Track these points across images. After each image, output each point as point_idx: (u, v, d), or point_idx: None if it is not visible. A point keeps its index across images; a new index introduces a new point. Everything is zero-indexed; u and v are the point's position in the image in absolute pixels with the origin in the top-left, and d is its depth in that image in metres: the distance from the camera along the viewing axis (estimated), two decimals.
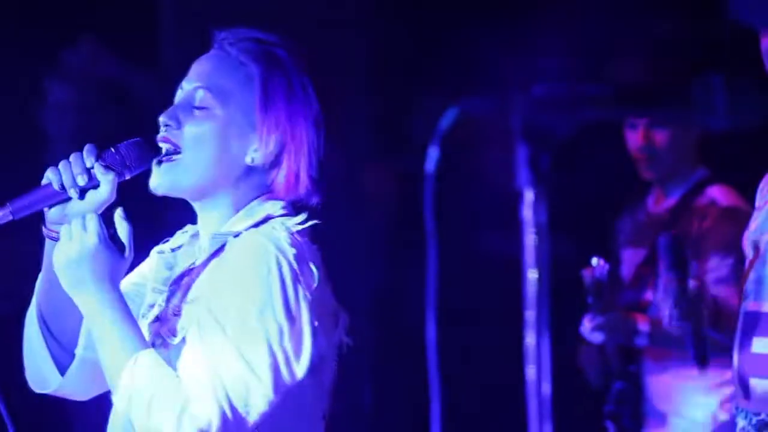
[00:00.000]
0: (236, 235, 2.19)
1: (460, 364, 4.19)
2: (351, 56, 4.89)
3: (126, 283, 2.35)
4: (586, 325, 3.69)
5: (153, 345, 2.18)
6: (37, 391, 2.34)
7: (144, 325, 2.25)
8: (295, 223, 2.19)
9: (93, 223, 2.19)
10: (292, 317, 2.10)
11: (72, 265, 2.17)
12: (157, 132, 2.26)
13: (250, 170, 2.24)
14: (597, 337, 3.69)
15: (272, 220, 2.20)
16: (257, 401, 2.07)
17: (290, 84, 2.24)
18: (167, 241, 2.37)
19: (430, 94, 4.68)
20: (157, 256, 2.35)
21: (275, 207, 2.23)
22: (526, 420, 1.65)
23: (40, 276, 2.31)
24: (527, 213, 1.61)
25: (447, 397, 1.78)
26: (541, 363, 1.63)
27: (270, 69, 2.24)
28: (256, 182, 2.24)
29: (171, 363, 2.13)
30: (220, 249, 2.20)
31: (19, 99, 4.40)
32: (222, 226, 2.23)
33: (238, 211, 2.23)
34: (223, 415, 2.04)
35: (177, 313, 2.19)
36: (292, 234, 2.16)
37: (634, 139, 3.87)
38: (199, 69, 2.27)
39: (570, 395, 3.97)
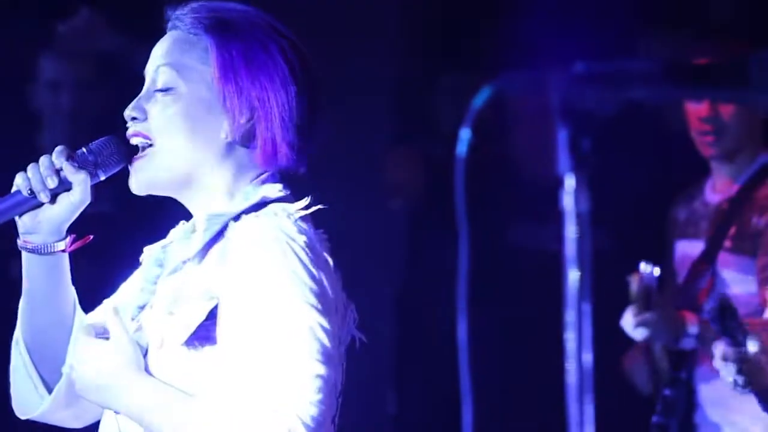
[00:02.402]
0: (236, 218, 2.19)
1: (493, 365, 4.18)
2: (376, 32, 4.89)
3: (120, 293, 2.37)
4: (628, 320, 3.64)
5: (145, 348, 2.19)
6: (22, 417, 2.34)
7: (133, 327, 2.25)
8: (298, 208, 2.19)
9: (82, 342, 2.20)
10: (324, 298, 2.12)
11: (99, 388, 2.17)
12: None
13: (229, 147, 2.24)
14: (640, 334, 3.65)
15: (272, 204, 2.20)
16: (324, 396, 2.07)
17: (249, 48, 2.23)
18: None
19: (459, 72, 4.68)
20: (146, 254, 2.35)
21: (273, 189, 2.23)
22: (565, 424, 1.65)
23: (22, 297, 2.31)
24: (567, 201, 1.61)
25: (479, 400, 1.78)
26: (581, 365, 1.63)
27: (224, 36, 2.24)
28: (239, 160, 2.24)
29: (173, 366, 2.15)
30: (219, 234, 2.20)
31: (9, 79, 4.42)
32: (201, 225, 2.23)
33: (229, 194, 2.24)
34: (304, 418, 2.05)
35: (174, 312, 2.19)
36: (296, 221, 2.17)
37: (697, 110, 3.78)
38: (157, 51, 2.27)
39: (613, 401, 3.98)
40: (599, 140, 1.65)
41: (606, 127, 1.64)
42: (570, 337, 1.62)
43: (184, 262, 2.24)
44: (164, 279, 2.28)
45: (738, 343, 3.16)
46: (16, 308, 2.34)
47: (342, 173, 3.88)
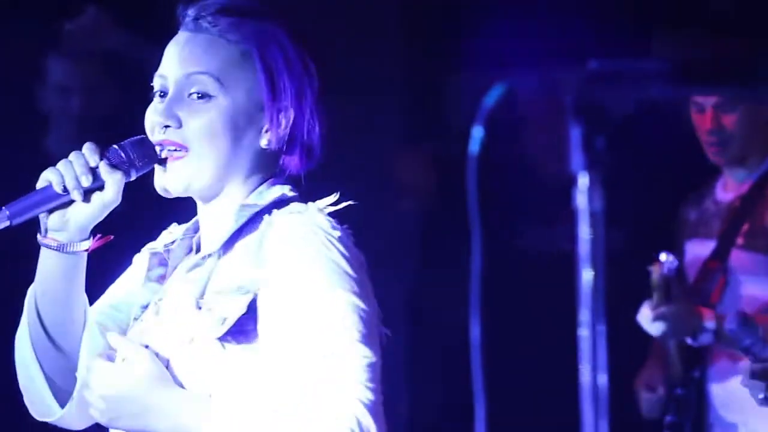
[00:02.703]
0: (268, 212, 2.20)
1: (506, 367, 4.18)
2: (383, 31, 4.89)
3: (115, 294, 2.37)
4: (646, 313, 3.65)
5: (147, 346, 2.19)
6: (39, 419, 2.33)
7: (137, 328, 2.25)
8: (326, 205, 2.21)
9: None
10: (366, 289, 2.14)
11: (133, 416, 2.14)
12: None
13: (263, 154, 2.25)
14: (657, 329, 3.65)
15: (296, 203, 2.21)
16: (377, 381, 2.08)
17: (287, 56, 2.24)
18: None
19: (469, 70, 4.67)
20: (149, 254, 2.35)
21: (284, 189, 2.25)
22: (579, 426, 1.65)
23: (32, 291, 2.30)
24: (581, 200, 1.61)
25: (492, 401, 1.78)
26: (596, 365, 1.63)
27: (265, 43, 2.23)
28: (266, 166, 2.26)
29: (193, 362, 2.14)
30: (246, 227, 2.20)
31: (15, 81, 4.42)
32: (228, 218, 2.23)
33: (246, 193, 2.24)
34: (362, 407, 2.05)
35: (203, 307, 2.18)
36: (327, 217, 2.18)
37: (702, 122, 3.85)
38: (184, 54, 2.23)
39: (628, 402, 3.98)
40: (613, 139, 1.65)
41: (620, 125, 1.65)
42: (584, 337, 1.62)
43: (206, 257, 2.24)
44: (178, 275, 2.28)
45: (762, 359, 3.17)
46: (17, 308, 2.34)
47: (351, 174, 3.89)
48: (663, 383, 3.90)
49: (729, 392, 3.74)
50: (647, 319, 3.65)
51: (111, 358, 2.19)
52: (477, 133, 1.68)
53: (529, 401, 4.55)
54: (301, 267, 2.12)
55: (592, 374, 1.62)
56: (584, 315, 1.58)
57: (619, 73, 1.67)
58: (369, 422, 2.04)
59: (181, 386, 2.16)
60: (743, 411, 3.72)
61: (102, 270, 2.41)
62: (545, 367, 4.10)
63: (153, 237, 2.41)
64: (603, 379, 1.62)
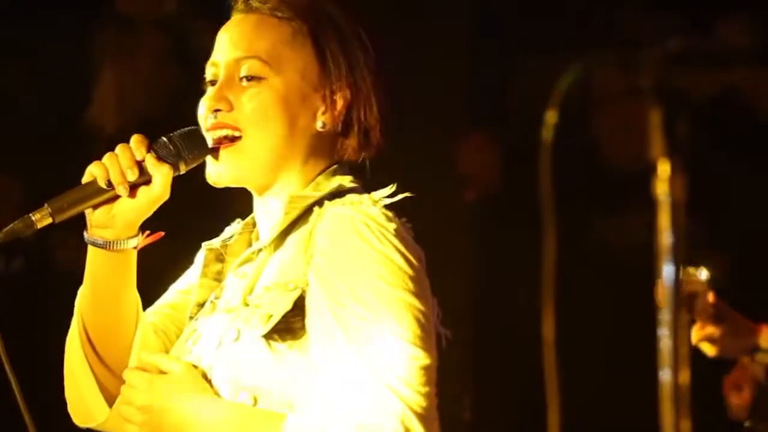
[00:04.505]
0: (320, 204, 2.19)
1: (580, 367, 4.16)
2: (448, 14, 4.88)
3: (174, 294, 2.39)
4: (694, 334, 3.56)
5: (192, 342, 2.21)
6: (81, 425, 2.35)
7: (192, 326, 2.27)
8: (383, 196, 2.20)
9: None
10: (422, 285, 2.12)
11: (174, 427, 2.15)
12: None
13: (319, 138, 2.24)
14: (707, 350, 3.56)
15: (353, 195, 2.20)
16: (432, 385, 2.08)
17: (342, 33, 2.24)
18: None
19: (538, 53, 4.66)
20: (206, 251, 2.36)
21: (345, 180, 2.24)
22: (658, 430, 1.64)
23: (82, 291, 2.31)
24: (661, 189, 1.60)
25: (565, 405, 1.77)
26: (676, 365, 1.62)
27: (318, 20, 2.24)
28: (325, 151, 2.26)
29: (247, 358, 2.13)
30: (299, 220, 2.20)
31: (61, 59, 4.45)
32: (281, 210, 2.22)
33: (304, 183, 2.24)
34: (417, 410, 2.05)
35: (250, 303, 2.18)
36: (382, 209, 2.16)
37: None
38: (234, 37, 2.24)
39: (710, 404, 3.95)
40: (696, 123, 1.64)
41: (703, 109, 1.63)
42: (664, 336, 1.61)
43: (258, 252, 2.24)
44: (233, 272, 2.28)
45: None
46: (67, 307, 2.35)
47: (413, 164, 3.88)
48: (750, 385, 3.86)
49: None
50: (695, 339, 3.56)
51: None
52: (551, 118, 1.67)
53: (605, 404, 4.53)
54: (350, 262, 2.11)
55: (673, 373, 1.60)
56: (665, 313, 1.57)
57: (701, 54, 1.65)
58: (417, 429, 2.03)
59: (227, 386, 2.16)
60: None
61: (158, 269, 2.42)
62: (623, 368, 4.08)
63: (210, 233, 2.41)
64: (685, 377, 1.60)
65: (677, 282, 1.57)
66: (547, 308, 1.64)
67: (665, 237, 1.58)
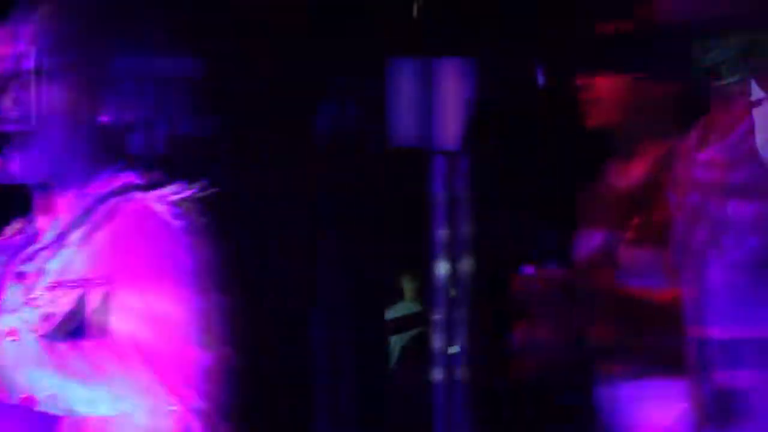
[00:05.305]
0: (103, 201, 2.20)
1: None
2: None
3: None
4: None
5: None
6: None
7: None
8: (174, 193, 2.19)
9: None
10: (204, 283, 2.13)
11: None
12: None
13: (102, 133, 2.24)
14: None
15: (137, 192, 2.20)
16: (220, 383, 2.10)
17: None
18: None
19: None
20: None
21: (131, 176, 2.23)
22: None
23: None
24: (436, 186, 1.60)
25: None
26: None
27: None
28: (109, 147, 2.25)
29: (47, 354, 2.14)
30: (82, 218, 2.21)
31: None
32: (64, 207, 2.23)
33: (89, 178, 2.23)
34: (193, 414, 2.07)
35: (29, 302, 2.18)
36: (172, 206, 2.17)
37: None
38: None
39: None
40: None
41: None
42: None
43: (40, 250, 2.24)
44: (14, 270, 2.26)
45: None
46: None
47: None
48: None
49: None
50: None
51: None
52: None
53: None
54: (130, 262, 2.11)
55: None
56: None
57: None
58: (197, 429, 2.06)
59: (10, 387, 2.17)
60: None
61: None
62: None
63: None
64: None
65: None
66: None
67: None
